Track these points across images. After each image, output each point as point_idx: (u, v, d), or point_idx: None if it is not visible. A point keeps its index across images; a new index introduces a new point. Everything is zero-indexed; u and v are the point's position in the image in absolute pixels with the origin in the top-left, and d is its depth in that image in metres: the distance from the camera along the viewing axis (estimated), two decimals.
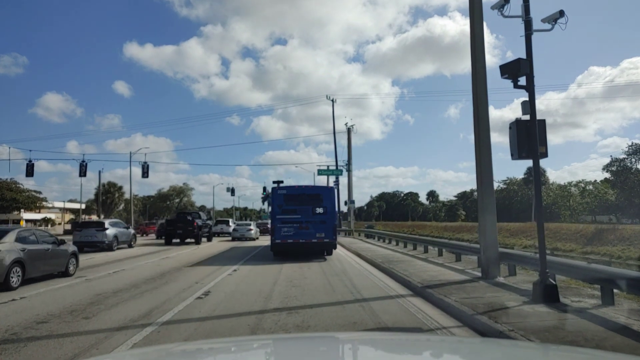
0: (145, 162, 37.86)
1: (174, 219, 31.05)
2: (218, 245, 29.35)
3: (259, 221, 57.23)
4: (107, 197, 68.46)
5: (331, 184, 40.07)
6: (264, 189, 62.90)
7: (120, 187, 71.48)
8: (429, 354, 2.35)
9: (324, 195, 20.23)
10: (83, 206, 72.83)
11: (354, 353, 2.36)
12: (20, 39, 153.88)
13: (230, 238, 36.75)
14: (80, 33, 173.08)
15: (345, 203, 39.28)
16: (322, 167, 39.72)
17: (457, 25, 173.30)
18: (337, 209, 27.65)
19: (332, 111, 43.34)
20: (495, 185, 68.34)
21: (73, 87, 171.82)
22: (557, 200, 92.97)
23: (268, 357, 2.26)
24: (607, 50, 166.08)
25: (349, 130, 38.85)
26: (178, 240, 29.39)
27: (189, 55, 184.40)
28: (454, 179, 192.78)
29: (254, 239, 35.12)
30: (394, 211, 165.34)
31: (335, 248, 20.59)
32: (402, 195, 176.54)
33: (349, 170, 38.81)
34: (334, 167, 40.65)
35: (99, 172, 67.19)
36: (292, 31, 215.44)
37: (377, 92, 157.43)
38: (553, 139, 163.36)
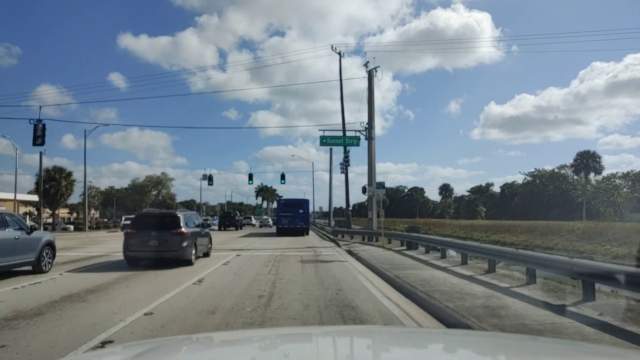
0: (39, 120, 22.92)
1: (223, 215, 51.99)
2: (246, 231, 45.93)
3: (259, 216, 77.45)
4: (52, 186, 54.06)
5: (335, 169, 29.37)
6: (250, 175, 52.36)
7: (70, 174, 56.74)
8: (422, 346, 2.29)
9: (304, 203, 38.25)
10: (36, 197, 58.52)
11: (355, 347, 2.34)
12: (12, 29, 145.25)
13: (251, 226, 60.54)
14: (73, 22, 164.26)
15: (364, 191, 25.20)
16: (329, 133, 25.52)
17: (461, 18, 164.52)
18: (310, 211, 46.68)
19: (339, 89, 29.13)
20: (520, 178, 51.21)
21: (68, 79, 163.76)
22: (597, 194, 79.03)
23: (266, 350, 2.27)
24: (611, 45, 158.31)
25: (369, 75, 24.60)
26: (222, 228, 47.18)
27: (185, 46, 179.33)
28: (452, 175, 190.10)
29: (270, 226, 55.73)
30: (397, 207, 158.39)
31: (308, 230, 37.45)
32: (406, 190, 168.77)
33: (369, 138, 24.60)
34: (342, 134, 26.57)
35: (40, 153, 52.59)
36: (291, 22, 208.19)
37: (378, 87, 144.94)
38: (554, 135, 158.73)
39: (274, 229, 43.42)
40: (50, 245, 13.17)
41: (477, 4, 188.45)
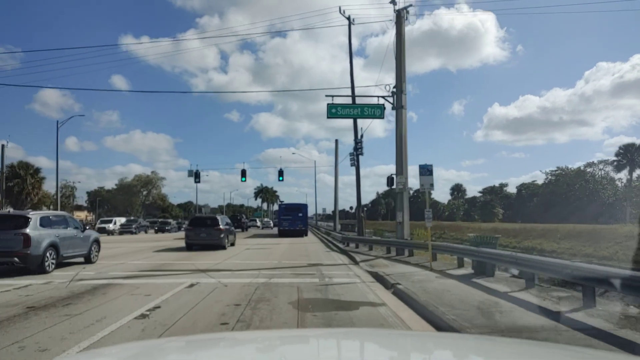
0: None
1: (231, 218, 44.65)
2: (251, 232, 51.13)
3: (260, 219, 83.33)
4: (15, 184, 46.70)
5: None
6: (243, 172, 45.44)
7: (37, 170, 49.27)
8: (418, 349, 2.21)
9: (302, 207, 41.33)
10: None
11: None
12: (13, 32, 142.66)
13: (256, 228, 68.74)
14: (74, 25, 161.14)
15: (390, 182, 17.58)
16: (339, 100, 17.91)
17: (465, 18, 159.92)
18: (312, 213, 60.49)
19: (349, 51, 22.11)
20: (542, 177, 44.85)
21: (70, 82, 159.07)
22: (629, 195, 71.17)
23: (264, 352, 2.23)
24: (617, 44, 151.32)
25: (398, 17, 16.87)
26: None
27: (186, 48, 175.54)
28: (456, 177, 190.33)
29: (271, 228, 65.69)
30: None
31: (307, 232, 41.23)
32: (413, 192, 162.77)
33: (398, 106, 16.82)
34: (350, 102, 19.05)
35: (2, 146, 45.43)
36: (293, 23, 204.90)
37: (381, 89, 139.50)
38: (559, 137, 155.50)
39: (274, 231, 49.18)
40: (97, 241, 16.01)
41: (481, 4, 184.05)
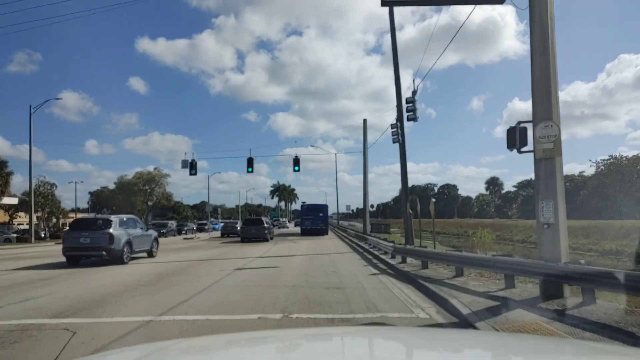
0: None
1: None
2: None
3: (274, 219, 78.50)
4: None
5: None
6: (249, 161, 36.94)
7: (3, 164, 41.17)
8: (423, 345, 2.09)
9: (323, 208, 44.44)
10: None
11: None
12: (32, 36, 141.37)
13: (276, 228, 60.33)
14: (91, 27, 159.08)
15: (517, 139, 7.77)
16: None
17: (484, 12, 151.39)
18: (333, 211, 63.14)
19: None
20: (590, 167, 32.67)
21: (89, 85, 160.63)
22: None
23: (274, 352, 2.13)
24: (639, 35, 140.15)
25: None
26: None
27: (203, 48, 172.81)
28: (475, 174, 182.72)
29: (287, 228, 71.09)
30: (426, 207, 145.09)
31: (327, 231, 44.27)
32: (437, 189, 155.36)
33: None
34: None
35: None
36: (309, 21, 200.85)
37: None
38: (580, 131, 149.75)
39: (291, 230, 56.93)
40: (156, 239, 19.84)
41: None
